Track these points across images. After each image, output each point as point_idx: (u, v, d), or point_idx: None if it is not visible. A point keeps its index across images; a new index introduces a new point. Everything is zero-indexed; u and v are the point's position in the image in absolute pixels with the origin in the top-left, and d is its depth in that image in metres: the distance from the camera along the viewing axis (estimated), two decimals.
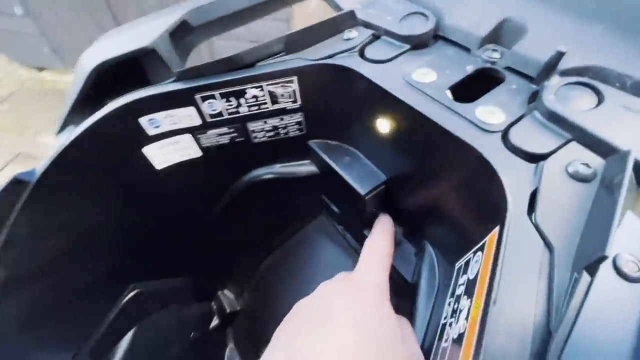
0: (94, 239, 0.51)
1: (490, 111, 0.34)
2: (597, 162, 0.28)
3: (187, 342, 0.78)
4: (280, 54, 0.45)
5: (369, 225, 0.54)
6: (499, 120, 0.33)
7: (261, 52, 0.44)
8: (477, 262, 0.30)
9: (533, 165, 0.30)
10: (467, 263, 0.33)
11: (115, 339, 0.60)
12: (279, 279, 0.78)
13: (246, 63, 0.44)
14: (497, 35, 0.40)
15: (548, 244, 0.25)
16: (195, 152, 0.51)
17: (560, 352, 0.21)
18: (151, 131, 0.46)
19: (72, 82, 0.49)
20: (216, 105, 0.45)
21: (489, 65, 0.39)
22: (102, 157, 0.45)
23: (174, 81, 0.43)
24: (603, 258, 0.21)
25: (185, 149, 0.50)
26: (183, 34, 0.50)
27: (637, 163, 0.27)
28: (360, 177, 0.49)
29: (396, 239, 0.50)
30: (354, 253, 0.63)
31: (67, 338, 0.53)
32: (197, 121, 0.47)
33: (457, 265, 0.36)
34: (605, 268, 0.23)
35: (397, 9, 0.46)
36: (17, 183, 0.43)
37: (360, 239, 0.58)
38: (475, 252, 0.32)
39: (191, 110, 0.45)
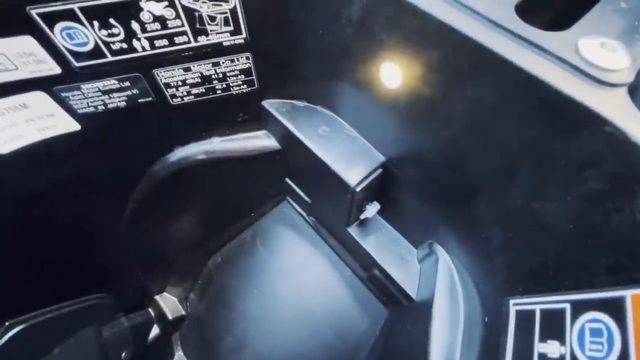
0: None
1: (604, 45, 0.19)
2: None
3: None
4: None
5: (356, 220, 0.39)
6: (622, 64, 0.18)
7: None
8: (604, 346, 0.16)
9: None
10: (552, 316, 0.19)
11: None
12: (231, 278, 0.61)
13: None
14: None
15: None
16: (66, 124, 0.30)
17: None
18: None
19: None
20: (82, 34, 0.24)
21: None
22: None
23: None
24: None
25: (45, 119, 0.29)
26: None
27: None
28: (346, 157, 0.33)
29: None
30: (330, 252, 0.49)
31: None
32: (53, 66, 0.25)
33: (515, 305, 0.23)
34: None
35: None
36: None
37: (343, 238, 0.43)
38: (579, 307, 0.18)
39: (31, 43, 0.23)
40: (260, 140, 0.39)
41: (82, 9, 0.22)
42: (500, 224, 0.25)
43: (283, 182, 0.46)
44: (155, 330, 0.72)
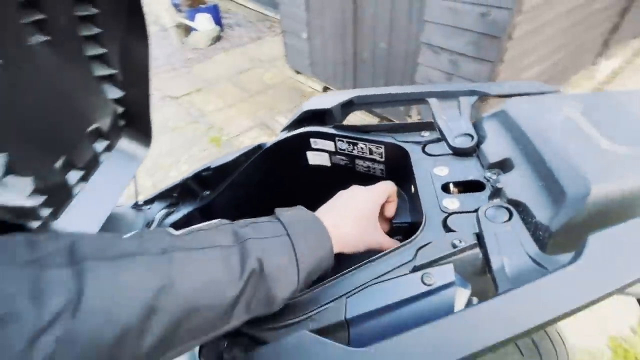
0: (256, 195, 1.04)
1: (453, 202, 0.60)
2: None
3: None
4: (385, 131, 0.82)
5: None
6: (454, 207, 0.60)
7: (376, 127, 0.83)
8: None
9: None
10: None
11: None
12: None
13: (367, 130, 0.84)
14: (500, 164, 0.63)
15: None
16: (327, 162, 0.96)
17: None
18: (313, 145, 0.93)
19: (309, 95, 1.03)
20: (343, 146, 0.87)
21: (481, 179, 0.63)
22: (289, 151, 0.96)
23: (332, 127, 0.88)
24: None
25: (323, 160, 0.96)
26: (348, 106, 0.94)
27: None
28: (398, 212, 0.80)
29: None
30: None
31: None
32: (332, 149, 0.91)
33: None
34: None
35: (461, 127, 0.74)
36: (257, 147, 1.00)
37: None
38: None
39: (331, 143, 0.89)
40: None
41: (346, 140, 0.86)
42: None
43: None
44: None
